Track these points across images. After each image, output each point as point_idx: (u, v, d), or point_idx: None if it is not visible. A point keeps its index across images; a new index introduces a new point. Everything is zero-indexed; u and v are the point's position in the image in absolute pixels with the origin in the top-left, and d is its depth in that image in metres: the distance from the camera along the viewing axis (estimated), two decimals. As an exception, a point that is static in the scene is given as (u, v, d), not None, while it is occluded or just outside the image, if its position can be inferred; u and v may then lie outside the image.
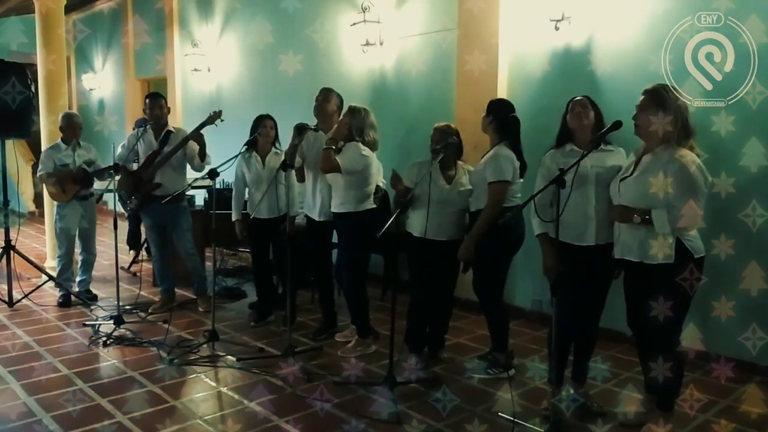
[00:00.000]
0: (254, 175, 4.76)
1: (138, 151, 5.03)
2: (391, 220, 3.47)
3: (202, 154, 4.86)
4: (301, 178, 4.62)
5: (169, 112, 5.12)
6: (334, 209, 4.25)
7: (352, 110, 4.16)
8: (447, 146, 3.75)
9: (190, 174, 5.11)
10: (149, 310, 5.13)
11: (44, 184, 5.47)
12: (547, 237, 3.16)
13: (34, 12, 6.44)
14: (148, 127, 5.03)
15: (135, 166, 5.07)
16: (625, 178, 3.01)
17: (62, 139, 5.39)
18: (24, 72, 5.21)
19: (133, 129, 7.16)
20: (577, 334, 3.32)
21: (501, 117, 3.74)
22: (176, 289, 5.39)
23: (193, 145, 4.85)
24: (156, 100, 5.04)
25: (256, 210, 4.72)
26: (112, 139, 6.38)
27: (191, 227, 5.16)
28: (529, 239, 3.67)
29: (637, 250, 2.94)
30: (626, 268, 3.08)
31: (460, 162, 3.97)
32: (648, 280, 2.93)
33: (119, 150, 5.13)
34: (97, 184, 5.56)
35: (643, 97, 2.96)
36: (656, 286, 2.88)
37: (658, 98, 2.92)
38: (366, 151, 4.10)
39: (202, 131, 4.78)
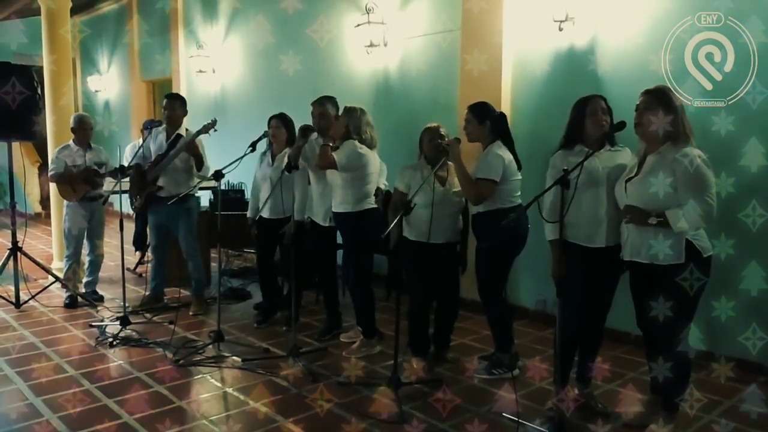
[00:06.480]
0: (262, 174, 4.83)
1: (151, 151, 5.12)
2: (395, 222, 3.47)
3: (198, 164, 4.91)
4: None
5: (183, 114, 5.12)
6: (333, 209, 4.28)
7: (348, 110, 4.19)
8: (449, 146, 3.75)
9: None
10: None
11: (55, 183, 5.53)
12: (559, 244, 3.07)
13: (34, 15, 6.47)
14: (159, 128, 5.12)
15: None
16: (630, 178, 2.99)
17: (74, 140, 5.44)
18: (29, 73, 5.23)
19: (141, 131, 7.24)
20: (582, 335, 3.31)
21: (495, 119, 3.76)
22: (181, 290, 5.40)
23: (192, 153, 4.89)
24: (167, 101, 5.09)
25: (261, 209, 4.75)
26: (116, 141, 6.42)
27: (194, 229, 5.16)
28: (535, 239, 3.67)
29: (645, 251, 2.91)
30: (634, 270, 3.05)
31: (449, 162, 3.98)
32: (657, 281, 2.90)
33: (139, 151, 5.24)
34: (106, 186, 5.59)
35: (644, 97, 2.94)
36: (666, 287, 2.86)
37: (662, 98, 2.91)
38: (363, 149, 4.12)
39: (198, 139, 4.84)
